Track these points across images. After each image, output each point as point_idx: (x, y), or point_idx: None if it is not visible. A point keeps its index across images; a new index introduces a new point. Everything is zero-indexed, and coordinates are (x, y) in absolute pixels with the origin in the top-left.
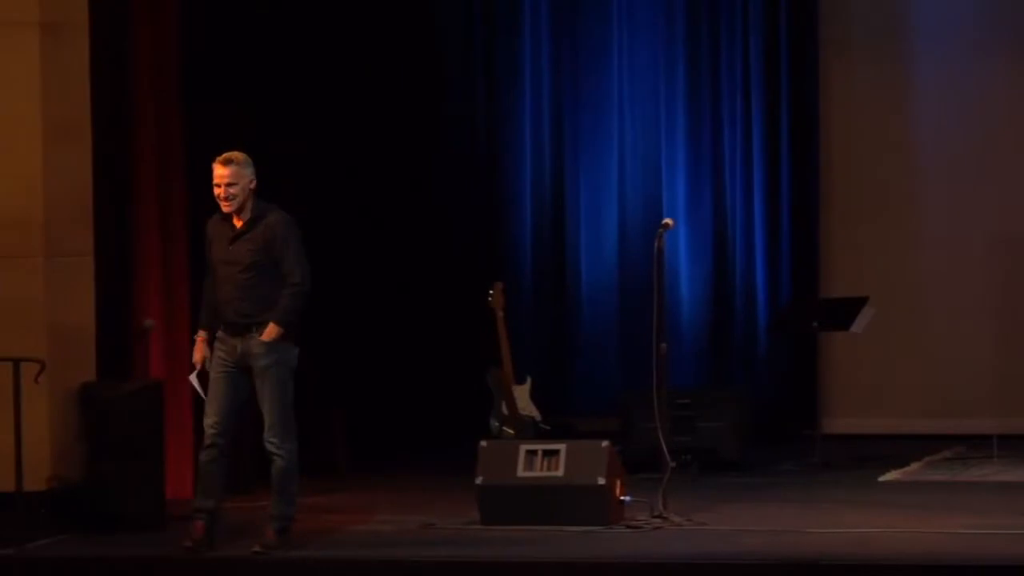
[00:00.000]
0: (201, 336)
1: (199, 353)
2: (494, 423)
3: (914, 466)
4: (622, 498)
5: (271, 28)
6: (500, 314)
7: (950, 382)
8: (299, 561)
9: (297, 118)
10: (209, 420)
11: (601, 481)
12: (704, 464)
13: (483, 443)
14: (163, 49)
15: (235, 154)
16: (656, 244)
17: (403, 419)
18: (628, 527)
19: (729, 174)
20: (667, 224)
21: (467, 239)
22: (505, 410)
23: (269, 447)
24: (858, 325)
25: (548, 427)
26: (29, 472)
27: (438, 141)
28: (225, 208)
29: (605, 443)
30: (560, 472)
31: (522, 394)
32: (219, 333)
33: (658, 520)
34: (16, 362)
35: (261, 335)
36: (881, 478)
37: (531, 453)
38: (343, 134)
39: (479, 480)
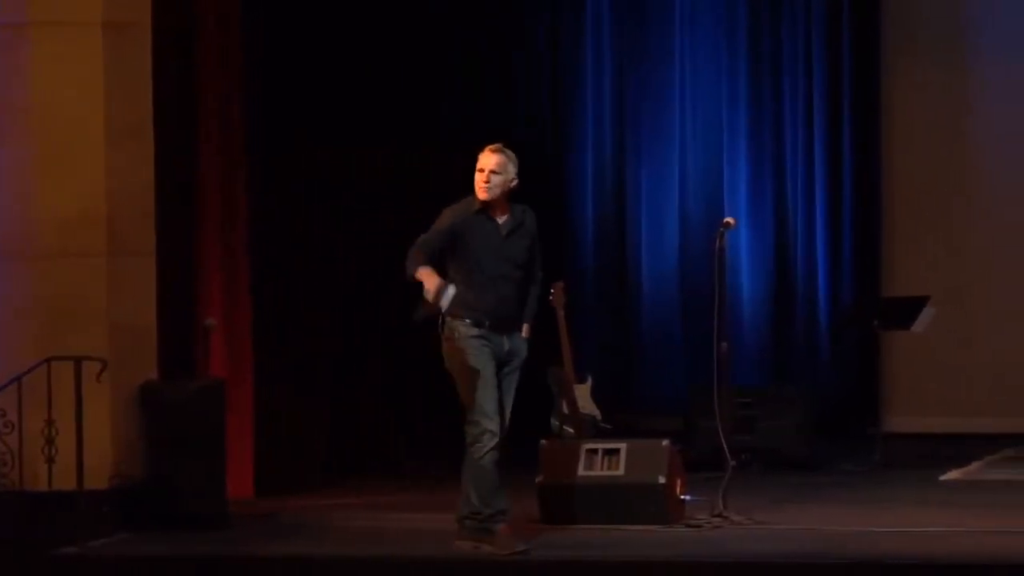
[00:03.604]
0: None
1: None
2: (555, 422)
3: (974, 465)
4: (683, 497)
5: (338, 25)
6: (560, 313)
7: (1011, 382)
8: (357, 559)
9: (363, 116)
10: (495, 419)
11: (661, 480)
12: (766, 463)
13: (543, 442)
14: (227, 48)
15: (505, 148)
16: (717, 243)
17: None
18: (688, 526)
19: (791, 173)
20: (728, 223)
21: None
22: (566, 409)
23: (499, 443)
24: (919, 324)
25: (608, 426)
26: (90, 470)
27: (501, 141)
28: (481, 196)
29: (665, 442)
30: (620, 471)
31: (583, 393)
32: (479, 329)
33: (718, 519)
34: (78, 361)
35: (523, 333)
36: (942, 477)
37: (591, 452)
38: (403, 131)
39: (539, 479)
